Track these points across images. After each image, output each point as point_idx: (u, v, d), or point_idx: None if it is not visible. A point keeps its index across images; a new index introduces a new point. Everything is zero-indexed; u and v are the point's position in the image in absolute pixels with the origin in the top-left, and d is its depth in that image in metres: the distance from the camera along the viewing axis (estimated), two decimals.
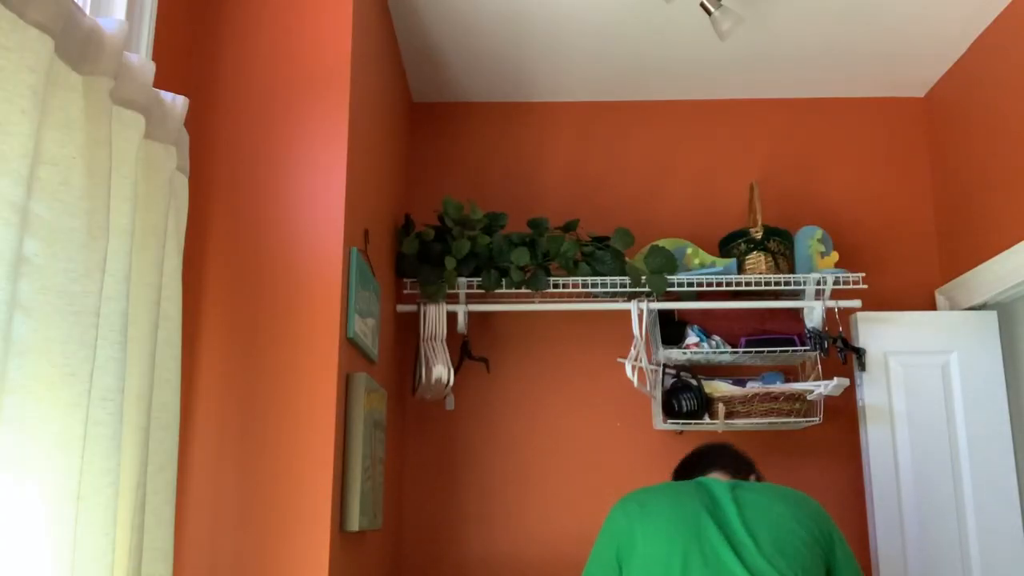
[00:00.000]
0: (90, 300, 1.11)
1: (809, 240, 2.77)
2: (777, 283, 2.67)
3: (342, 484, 1.81)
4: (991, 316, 2.75)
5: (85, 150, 1.12)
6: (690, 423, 2.64)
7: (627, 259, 2.68)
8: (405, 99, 2.95)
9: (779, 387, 2.64)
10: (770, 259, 2.69)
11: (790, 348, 2.65)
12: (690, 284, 2.68)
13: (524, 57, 2.83)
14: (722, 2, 2.43)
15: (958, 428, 2.68)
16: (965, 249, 2.79)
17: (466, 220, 2.66)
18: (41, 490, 1.02)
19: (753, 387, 2.66)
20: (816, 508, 1.77)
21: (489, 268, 2.64)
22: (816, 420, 2.62)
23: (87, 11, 1.45)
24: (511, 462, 2.83)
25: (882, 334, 2.76)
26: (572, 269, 2.66)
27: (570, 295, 2.76)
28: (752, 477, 1.96)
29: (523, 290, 2.66)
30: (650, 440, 2.84)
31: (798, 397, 2.63)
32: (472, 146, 3.10)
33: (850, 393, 2.78)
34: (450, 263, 2.58)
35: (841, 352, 2.69)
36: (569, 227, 2.71)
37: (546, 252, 2.65)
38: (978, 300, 2.70)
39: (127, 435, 1.27)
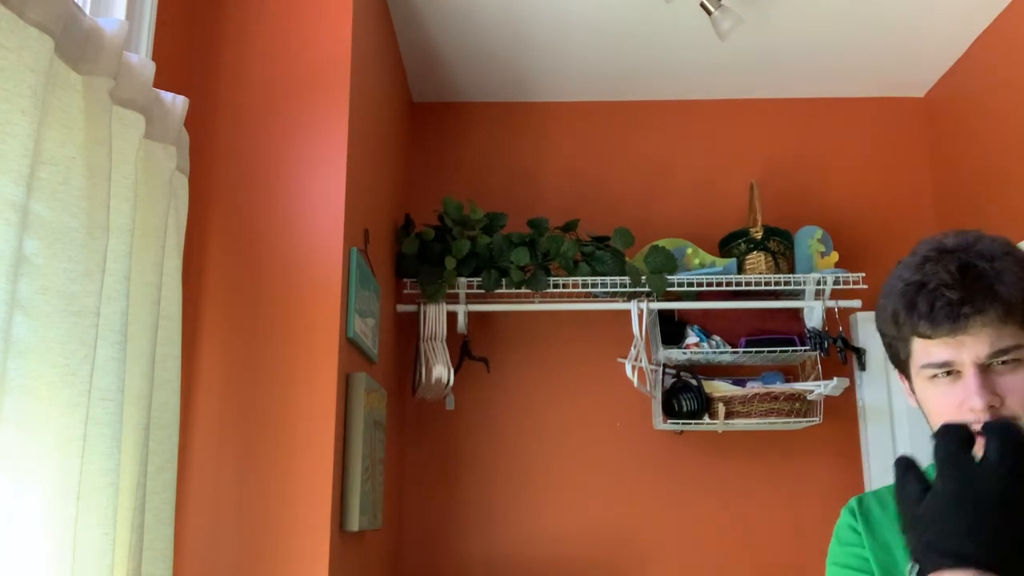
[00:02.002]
0: (90, 300, 1.11)
1: (809, 240, 2.76)
2: (777, 283, 2.67)
3: (342, 484, 1.81)
4: None
5: (85, 150, 1.12)
6: (690, 423, 2.64)
7: (627, 259, 2.68)
8: (405, 99, 2.95)
9: (779, 387, 2.64)
10: (770, 259, 2.69)
11: (790, 348, 2.64)
12: (690, 284, 2.67)
13: (524, 57, 2.83)
14: (722, 2, 2.43)
15: None
16: None
17: (466, 220, 2.66)
18: (41, 490, 1.02)
19: (753, 387, 2.66)
20: None
21: (489, 268, 2.63)
22: (816, 420, 2.62)
23: (87, 11, 1.45)
24: (511, 462, 2.83)
25: None
26: (572, 269, 2.66)
27: (570, 295, 2.76)
28: None
29: (523, 290, 2.66)
30: (650, 440, 2.83)
31: (798, 397, 2.63)
32: (472, 146, 3.10)
33: (850, 393, 2.78)
34: (450, 263, 2.58)
35: (841, 352, 2.69)
36: (569, 227, 2.71)
37: (546, 252, 2.65)
38: None
39: (127, 435, 1.27)
